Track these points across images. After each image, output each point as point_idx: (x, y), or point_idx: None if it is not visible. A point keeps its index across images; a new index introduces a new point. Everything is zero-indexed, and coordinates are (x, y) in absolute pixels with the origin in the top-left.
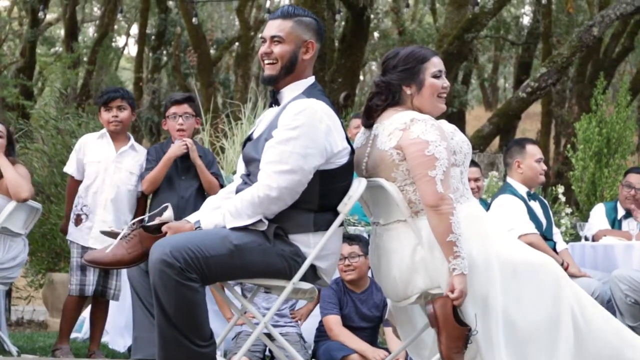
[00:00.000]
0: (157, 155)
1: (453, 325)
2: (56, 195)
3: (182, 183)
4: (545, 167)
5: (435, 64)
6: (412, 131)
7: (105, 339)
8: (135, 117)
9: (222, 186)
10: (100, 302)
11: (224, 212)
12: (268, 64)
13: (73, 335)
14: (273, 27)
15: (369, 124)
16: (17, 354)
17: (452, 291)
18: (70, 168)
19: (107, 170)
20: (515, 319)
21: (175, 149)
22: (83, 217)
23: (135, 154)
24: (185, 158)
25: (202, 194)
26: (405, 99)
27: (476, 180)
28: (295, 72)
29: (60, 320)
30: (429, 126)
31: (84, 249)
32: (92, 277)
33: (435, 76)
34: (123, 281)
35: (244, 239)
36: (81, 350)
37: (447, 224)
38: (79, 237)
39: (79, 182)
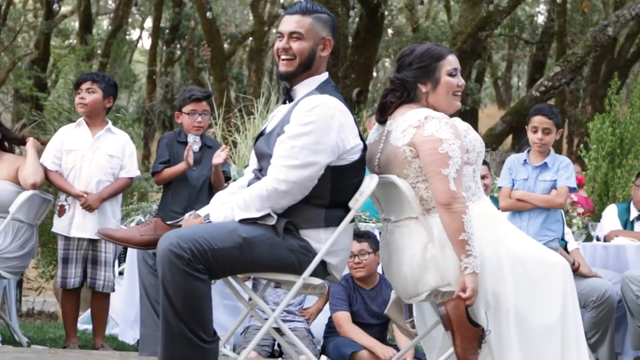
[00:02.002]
0: (170, 145)
1: (467, 327)
2: None
3: (193, 174)
4: None
5: (451, 62)
6: (426, 129)
7: (115, 331)
8: (111, 103)
9: (228, 179)
10: (95, 295)
11: (233, 205)
12: (285, 59)
13: (83, 327)
14: (292, 23)
15: (382, 120)
16: (27, 345)
17: (464, 290)
18: (43, 159)
19: (84, 157)
20: (528, 318)
21: (186, 163)
22: (66, 207)
23: (113, 137)
24: (196, 150)
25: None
26: (420, 97)
27: (483, 177)
28: (312, 68)
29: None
30: (443, 124)
31: (67, 239)
32: (74, 270)
33: (451, 74)
34: (132, 275)
35: (252, 232)
36: (91, 342)
37: (459, 223)
38: (61, 228)
39: (56, 172)
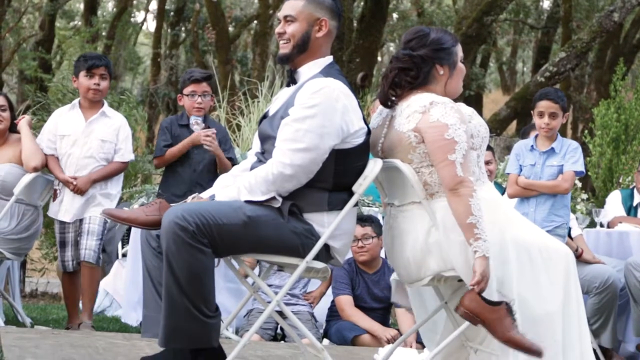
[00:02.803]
0: (171, 129)
1: (491, 310)
2: None
3: (195, 156)
4: None
5: (460, 50)
6: (432, 114)
7: (118, 312)
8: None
9: (233, 163)
10: (81, 266)
11: (239, 186)
12: (282, 43)
13: None
14: (286, 7)
15: (392, 103)
16: (30, 325)
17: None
18: (39, 142)
19: (76, 142)
20: (530, 304)
21: (196, 138)
22: (58, 191)
23: (107, 121)
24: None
25: (214, 167)
26: (432, 80)
27: (488, 163)
28: (309, 50)
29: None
30: (448, 109)
31: (62, 223)
32: (70, 253)
33: (461, 61)
34: (135, 257)
35: (258, 211)
36: (94, 323)
37: (467, 206)
38: (54, 212)
39: (52, 156)
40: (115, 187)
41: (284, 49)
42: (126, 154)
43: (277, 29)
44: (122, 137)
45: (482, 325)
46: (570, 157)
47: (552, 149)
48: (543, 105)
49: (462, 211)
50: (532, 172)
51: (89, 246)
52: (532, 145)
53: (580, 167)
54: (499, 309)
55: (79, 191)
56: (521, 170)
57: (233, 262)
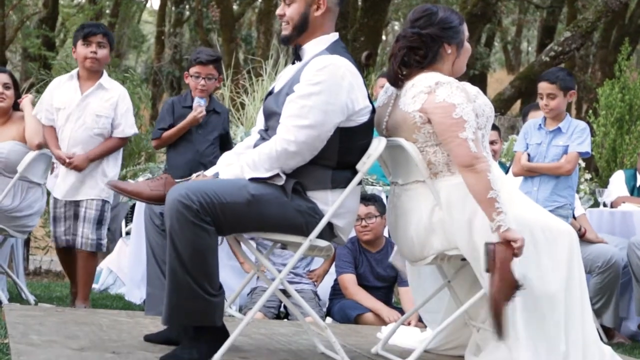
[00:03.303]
0: (173, 110)
1: (509, 271)
2: None
3: (198, 137)
4: None
5: (466, 28)
6: (438, 94)
7: (122, 290)
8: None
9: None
10: (78, 253)
11: (242, 164)
12: (283, 25)
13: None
14: None
15: (400, 82)
16: (34, 303)
17: (514, 241)
18: (36, 112)
19: (70, 116)
20: (533, 284)
21: (194, 120)
22: (55, 166)
23: (103, 94)
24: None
25: (218, 148)
26: (440, 59)
27: (493, 143)
28: (310, 29)
29: None
30: (454, 89)
31: (55, 199)
32: (62, 229)
33: (467, 40)
34: (139, 235)
35: (262, 190)
36: (98, 301)
37: (486, 181)
38: (50, 186)
39: (50, 127)
40: (113, 168)
41: (285, 30)
42: (127, 129)
43: (278, 11)
44: (121, 111)
45: (492, 274)
46: (576, 137)
47: (559, 128)
48: (541, 87)
49: (482, 187)
50: (537, 151)
51: (85, 234)
52: (540, 124)
53: (586, 148)
54: (515, 280)
55: (77, 168)
56: (528, 148)
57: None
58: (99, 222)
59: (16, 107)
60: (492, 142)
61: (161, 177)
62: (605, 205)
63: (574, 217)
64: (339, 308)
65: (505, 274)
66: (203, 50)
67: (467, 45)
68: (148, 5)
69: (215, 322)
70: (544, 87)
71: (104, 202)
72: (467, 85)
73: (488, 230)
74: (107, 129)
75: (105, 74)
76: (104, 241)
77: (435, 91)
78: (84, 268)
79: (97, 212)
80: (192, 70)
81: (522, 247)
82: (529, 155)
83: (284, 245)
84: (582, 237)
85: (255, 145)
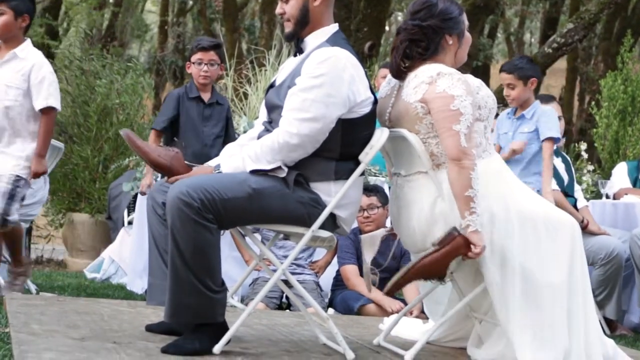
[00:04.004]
0: (178, 104)
1: (447, 264)
2: (79, 135)
3: (205, 130)
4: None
5: (466, 18)
6: (439, 85)
7: (123, 280)
8: (27, 22)
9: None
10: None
11: (244, 156)
12: (285, 22)
13: (91, 275)
14: None
15: (403, 74)
16: (36, 292)
17: (474, 245)
18: None
19: None
20: (534, 276)
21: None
22: None
23: (17, 63)
24: (207, 105)
25: (224, 141)
26: (442, 50)
27: None
28: (311, 22)
29: None
30: (455, 80)
31: None
32: None
33: (467, 30)
34: (141, 225)
35: (263, 183)
36: (99, 290)
37: (467, 179)
38: None
39: None
40: (30, 143)
41: (287, 27)
42: (42, 100)
43: (277, 10)
44: (34, 81)
45: (433, 253)
46: (544, 123)
47: (523, 115)
48: (501, 77)
49: (462, 183)
50: (505, 140)
51: (7, 211)
52: (508, 114)
53: (554, 134)
54: (444, 271)
55: (43, 173)
56: (499, 138)
57: (239, 230)
58: (10, 197)
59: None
60: None
61: (173, 149)
62: (607, 197)
63: (577, 209)
64: (341, 299)
65: (442, 260)
66: (203, 37)
67: (467, 35)
68: None
69: (216, 319)
70: (502, 77)
71: (18, 177)
72: (469, 77)
73: (489, 222)
74: (18, 102)
75: (27, 42)
76: (12, 217)
77: (436, 81)
78: (3, 239)
79: (9, 185)
80: (195, 57)
81: (479, 254)
82: (500, 146)
83: (287, 236)
84: (585, 228)
85: (259, 137)
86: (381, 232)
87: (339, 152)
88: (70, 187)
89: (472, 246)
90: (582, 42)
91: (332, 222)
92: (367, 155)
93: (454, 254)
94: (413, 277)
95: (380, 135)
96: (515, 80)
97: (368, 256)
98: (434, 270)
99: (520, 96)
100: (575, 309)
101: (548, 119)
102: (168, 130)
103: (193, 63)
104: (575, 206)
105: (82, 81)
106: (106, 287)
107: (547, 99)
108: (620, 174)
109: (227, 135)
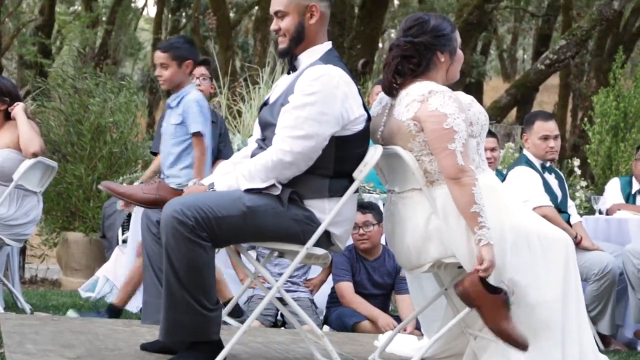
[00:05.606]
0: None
1: (488, 297)
2: (72, 154)
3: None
4: (552, 145)
5: (458, 36)
6: (431, 103)
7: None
8: None
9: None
10: None
11: (238, 174)
12: (280, 39)
13: (86, 294)
14: (275, 2)
15: (395, 91)
16: (30, 312)
17: (481, 263)
18: None
19: None
20: (528, 292)
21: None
22: None
23: None
24: None
25: (216, 156)
26: (433, 67)
27: (492, 150)
28: (306, 39)
29: None
30: (446, 98)
31: None
32: None
33: (460, 48)
34: (135, 243)
35: (257, 201)
36: (94, 309)
37: (470, 195)
38: None
39: None
40: None
41: (282, 43)
42: None
43: (272, 26)
44: None
45: (476, 310)
46: (191, 116)
47: (168, 104)
48: (155, 56)
49: (466, 201)
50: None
51: None
52: None
53: (198, 127)
54: (497, 297)
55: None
56: None
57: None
58: None
59: (8, 116)
60: (492, 149)
61: (155, 180)
62: (600, 212)
63: (570, 225)
64: (336, 316)
65: (487, 303)
66: None
67: (459, 52)
68: (144, 12)
69: (211, 337)
70: (156, 56)
71: None
72: (460, 94)
73: None
74: None
75: None
76: None
77: (428, 100)
78: None
79: None
80: None
81: (488, 269)
82: None
83: (282, 254)
84: (578, 244)
85: (252, 154)
86: None
87: (333, 170)
88: (64, 206)
89: (478, 266)
90: (574, 58)
91: (326, 240)
92: (361, 173)
93: (478, 291)
94: (505, 332)
95: (374, 153)
96: (169, 60)
97: None
98: (495, 310)
99: (173, 78)
100: (569, 324)
101: (193, 110)
102: None
103: None
104: (568, 222)
105: (75, 100)
106: (101, 306)
107: (536, 117)
108: (613, 189)
109: (221, 151)
